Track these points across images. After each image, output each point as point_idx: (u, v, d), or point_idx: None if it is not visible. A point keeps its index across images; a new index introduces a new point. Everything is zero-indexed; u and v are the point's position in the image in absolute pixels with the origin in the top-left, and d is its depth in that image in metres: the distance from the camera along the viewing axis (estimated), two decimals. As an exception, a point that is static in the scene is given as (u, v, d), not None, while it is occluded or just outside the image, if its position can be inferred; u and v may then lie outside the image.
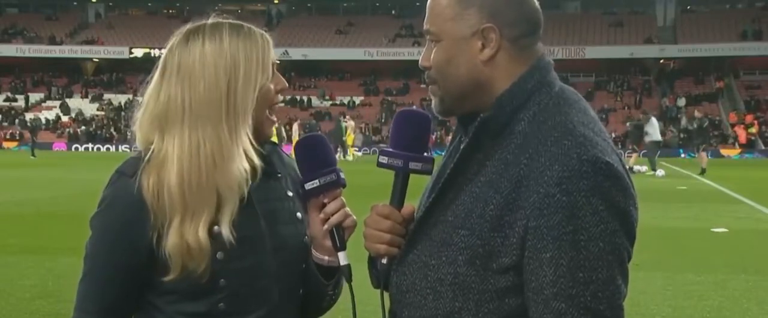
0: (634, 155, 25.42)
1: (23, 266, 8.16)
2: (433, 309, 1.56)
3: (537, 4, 1.65)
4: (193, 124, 1.73)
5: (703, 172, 23.45)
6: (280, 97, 1.83)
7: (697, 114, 27.40)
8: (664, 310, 6.55)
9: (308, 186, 1.73)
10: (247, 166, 1.73)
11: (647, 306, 6.54)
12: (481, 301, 1.52)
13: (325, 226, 1.75)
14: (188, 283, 1.73)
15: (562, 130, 1.52)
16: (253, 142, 1.75)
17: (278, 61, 1.85)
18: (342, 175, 1.75)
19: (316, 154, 1.75)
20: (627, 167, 1.57)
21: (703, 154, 24.57)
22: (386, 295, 1.70)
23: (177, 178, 1.70)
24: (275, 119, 1.83)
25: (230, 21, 1.81)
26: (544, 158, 1.49)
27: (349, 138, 35.96)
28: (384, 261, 1.65)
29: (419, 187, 1.78)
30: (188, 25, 1.80)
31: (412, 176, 1.68)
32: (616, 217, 1.48)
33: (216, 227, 1.71)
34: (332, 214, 1.74)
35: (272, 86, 1.79)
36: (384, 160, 1.67)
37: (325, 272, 1.80)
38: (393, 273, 1.64)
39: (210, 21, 1.81)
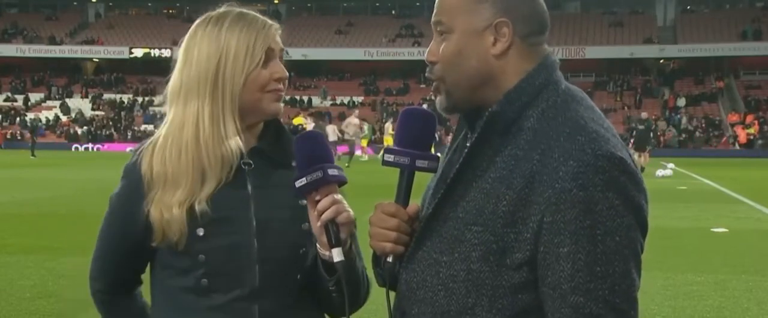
0: (639, 154, 25.27)
1: (23, 266, 8.17)
2: (445, 305, 1.56)
3: (545, 5, 1.66)
4: (183, 102, 1.85)
5: (641, 170, 23.60)
6: (277, 85, 1.87)
7: (644, 115, 27.27)
8: (664, 310, 6.56)
9: (297, 184, 1.74)
10: (232, 146, 1.81)
11: (647, 306, 6.54)
12: (495, 297, 1.52)
13: (318, 223, 1.75)
14: (175, 257, 1.83)
15: (573, 126, 1.52)
16: (237, 124, 1.84)
17: (285, 50, 1.90)
18: (331, 172, 1.73)
19: (307, 152, 1.75)
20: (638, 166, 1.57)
21: (646, 154, 24.68)
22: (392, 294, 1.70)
23: (160, 153, 1.84)
24: (278, 101, 1.88)
25: (240, 9, 1.89)
26: (557, 154, 1.49)
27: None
28: (390, 259, 1.65)
29: (420, 185, 1.77)
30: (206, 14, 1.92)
31: (414, 174, 1.68)
32: (631, 212, 1.49)
33: (196, 202, 1.79)
34: (324, 211, 1.74)
35: (266, 72, 1.85)
36: (390, 158, 1.66)
37: (329, 268, 1.81)
38: (402, 270, 1.64)
39: (222, 9, 1.90)
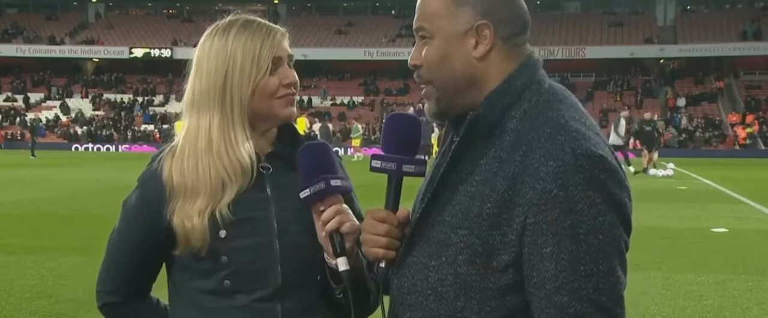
0: (647, 156, 25.05)
1: (23, 266, 8.16)
2: (435, 310, 1.57)
3: (525, 5, 1.67)
4: (195, 112, 1.89)
5: (644, 170, 23.41)
6: (287, 90, 1.88)
7: (647, 116, 27.21)
8: (664, 310, 6.56)
9: (301, 195, 1.75)
10: (243, 153, 1.83)
11: (647, 306, 6.54)
12: (484, 300, 1.53)
13: (323, 233, 1.77)
14: (196, 260, 1.84)
15: (554, 126, 1.52)
16: (247, 132, 1.86)
17: (292, 54, 1.91)
18: (334, 183, 1.75)
19: (311, 163, 1.77)
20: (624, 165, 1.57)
21: (654, 154, 24.55)
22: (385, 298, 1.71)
23: (178, 162, 1.86)
24: (290, 106, 1.89)
25: (246, 17, 1.91)
26: (538, 154, 1.49)
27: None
28: (382, 265, 1.66)
29: (412, 189, 1.78)
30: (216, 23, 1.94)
31: (404, 179, 1.69)
32: (613, 209, 1.48)
33: (217, 209, 1.82)
34: (328, 221, 1.76)
35: (275, 79, 1.86)
36: (377, 164, 1.68)
37: (337, 276, 1.81)
38: (393, 275, 1.64)
39: (229, 18, 1.92)
